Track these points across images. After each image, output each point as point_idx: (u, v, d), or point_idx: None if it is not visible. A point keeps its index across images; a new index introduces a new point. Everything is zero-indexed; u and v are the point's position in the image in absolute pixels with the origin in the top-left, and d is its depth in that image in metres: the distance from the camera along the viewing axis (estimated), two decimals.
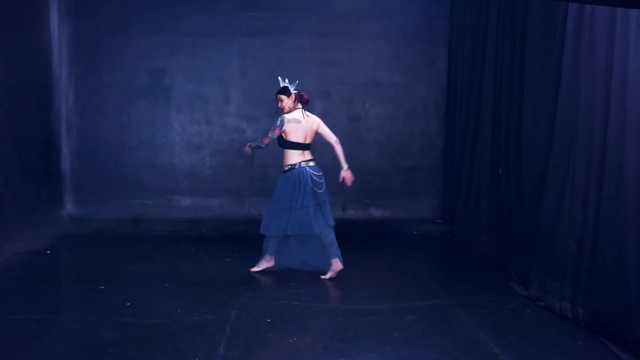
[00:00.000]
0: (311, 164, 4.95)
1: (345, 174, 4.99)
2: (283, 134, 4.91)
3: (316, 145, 5.08)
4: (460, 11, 6.55)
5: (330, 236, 4.95)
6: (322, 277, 4.97)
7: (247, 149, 5.14)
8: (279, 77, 5.00)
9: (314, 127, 4.97)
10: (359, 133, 6.95)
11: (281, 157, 4.99)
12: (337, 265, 4.96)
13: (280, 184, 4.94)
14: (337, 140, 4.99)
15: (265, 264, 5.10)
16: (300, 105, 4.98)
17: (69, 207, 6.70)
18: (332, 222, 5.00)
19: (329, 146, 5.00)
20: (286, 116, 4.91)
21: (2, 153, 5.32)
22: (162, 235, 6.40)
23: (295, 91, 4.97)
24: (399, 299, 4.50)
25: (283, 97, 4.95)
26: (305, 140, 4.93)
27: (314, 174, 4.91)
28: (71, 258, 5.85)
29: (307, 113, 4.97)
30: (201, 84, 6.78)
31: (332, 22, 6.82)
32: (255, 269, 5.11)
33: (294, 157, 4.92)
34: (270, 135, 4.93)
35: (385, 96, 6.96)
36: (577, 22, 4.04)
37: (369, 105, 6.96)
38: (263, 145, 5.02)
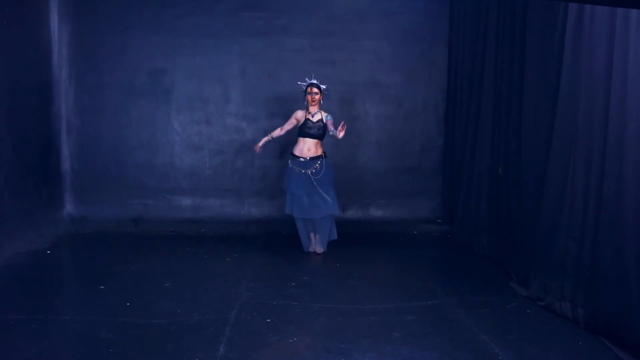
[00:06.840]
0: None
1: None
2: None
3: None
4: (460, 11, 6.54)
5: None
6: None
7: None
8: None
9: None
10: (359, 133, 6.94)
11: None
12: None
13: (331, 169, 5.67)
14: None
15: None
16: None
17: (69, 207, 6.70)
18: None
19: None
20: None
21: (2, 153, 5.31)
22: (162, 235, 6.39)
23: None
24: (399, 299, 4.50)
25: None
26: None
27: None
28: (71, 258, 5.85)
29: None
30: (201, 84, 6.77)
31: (332, 22, 6.81)
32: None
33: None
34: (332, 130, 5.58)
35: (385, 96, 6.95)
36: (577, 22, 4.04)
37: (369, 105, 6.95)
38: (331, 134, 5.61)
